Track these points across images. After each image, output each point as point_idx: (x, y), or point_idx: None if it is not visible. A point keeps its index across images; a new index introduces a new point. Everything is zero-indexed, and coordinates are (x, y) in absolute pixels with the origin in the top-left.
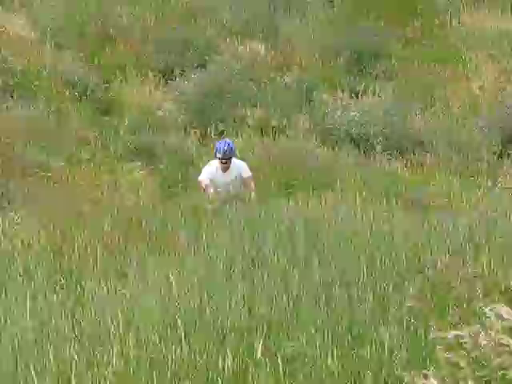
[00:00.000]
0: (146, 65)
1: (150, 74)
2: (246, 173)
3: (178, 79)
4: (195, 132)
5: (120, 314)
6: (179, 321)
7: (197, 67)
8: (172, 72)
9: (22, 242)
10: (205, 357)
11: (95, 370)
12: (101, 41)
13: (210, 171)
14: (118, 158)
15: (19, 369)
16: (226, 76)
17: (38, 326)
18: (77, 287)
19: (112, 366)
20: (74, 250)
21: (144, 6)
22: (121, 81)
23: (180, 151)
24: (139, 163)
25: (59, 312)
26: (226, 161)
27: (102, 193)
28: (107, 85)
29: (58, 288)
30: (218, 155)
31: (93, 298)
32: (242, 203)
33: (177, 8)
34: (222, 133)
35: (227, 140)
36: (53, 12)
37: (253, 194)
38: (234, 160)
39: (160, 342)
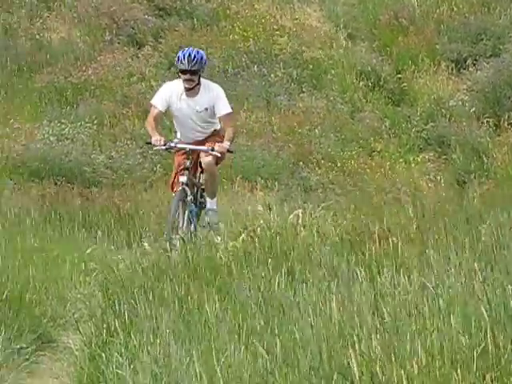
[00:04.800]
0: (438, 55)
1: (443, 64)
2: (225, 106)
3: (470, 69)
4: (488, 122)
5: (424, 307)
6: (484, 310)
7: (490, 56)
8: (465, 61)
9: (319, 232)
10: None
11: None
12: (393, 31)
13: (166, 91)
14: (410, 148)
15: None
16: None
17: (343, 319)
18: (376, 279)
19: (417, 359)
20: (374, 241)
21: None
22: (413, 71)
23: (473, 141)
24: (431, 154)
25: (362, 305)
26: (190, 75)
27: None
28: (399, 75)
29: (357, 280)
30: (180, 65)
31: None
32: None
33: None
34: None
35: (197, 49)
36: (346, 2)
37: (227, 140)
38: (206, 81)
39: (465, 338)
